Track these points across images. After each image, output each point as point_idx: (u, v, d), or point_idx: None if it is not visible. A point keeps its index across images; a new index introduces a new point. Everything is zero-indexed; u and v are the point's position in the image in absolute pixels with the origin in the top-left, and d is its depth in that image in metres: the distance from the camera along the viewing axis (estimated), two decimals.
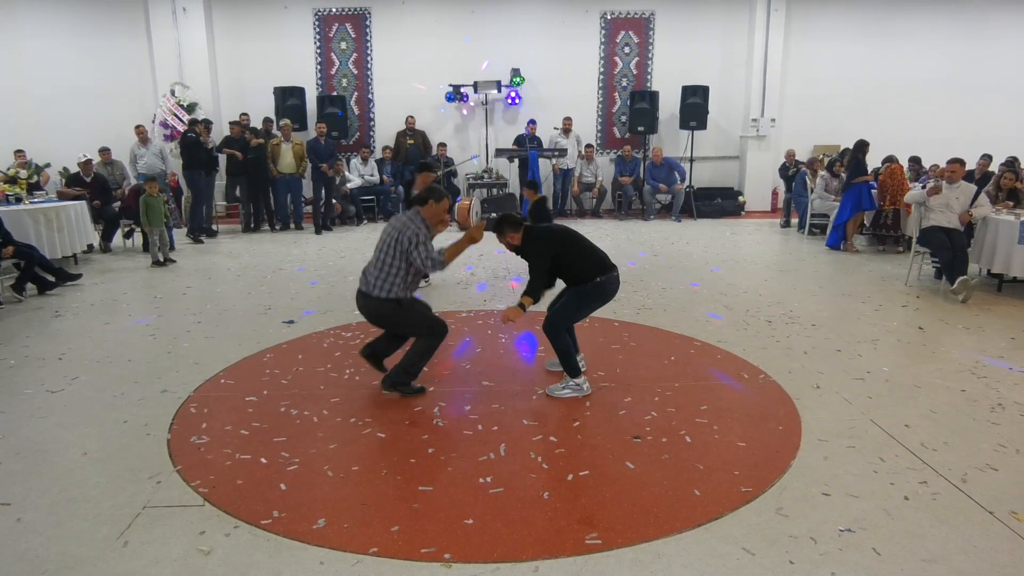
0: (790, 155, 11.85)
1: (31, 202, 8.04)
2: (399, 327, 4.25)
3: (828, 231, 9.89)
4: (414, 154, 12.22)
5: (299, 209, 11.41)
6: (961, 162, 6.90)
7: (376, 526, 2.80)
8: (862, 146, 8.94)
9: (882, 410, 3.95)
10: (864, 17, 13.00)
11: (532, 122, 12.25)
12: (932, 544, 2.67)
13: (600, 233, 10.60)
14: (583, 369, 4.31)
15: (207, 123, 10.67)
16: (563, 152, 12.07)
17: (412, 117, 12.34)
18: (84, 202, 8.76)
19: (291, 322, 5.78)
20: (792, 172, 11.34)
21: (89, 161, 9.64)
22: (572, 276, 4.28)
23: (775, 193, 13.20)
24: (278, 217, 11.29)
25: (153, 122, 11.47)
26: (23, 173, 9.31)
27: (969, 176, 8.31)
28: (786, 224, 11.45)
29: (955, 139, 10.92)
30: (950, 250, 6.58)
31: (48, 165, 10.50)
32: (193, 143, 10.12)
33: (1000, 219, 6.68)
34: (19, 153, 10.67)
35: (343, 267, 8.03)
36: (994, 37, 13.10)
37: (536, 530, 2.76)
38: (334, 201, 11.35)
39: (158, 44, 12.09)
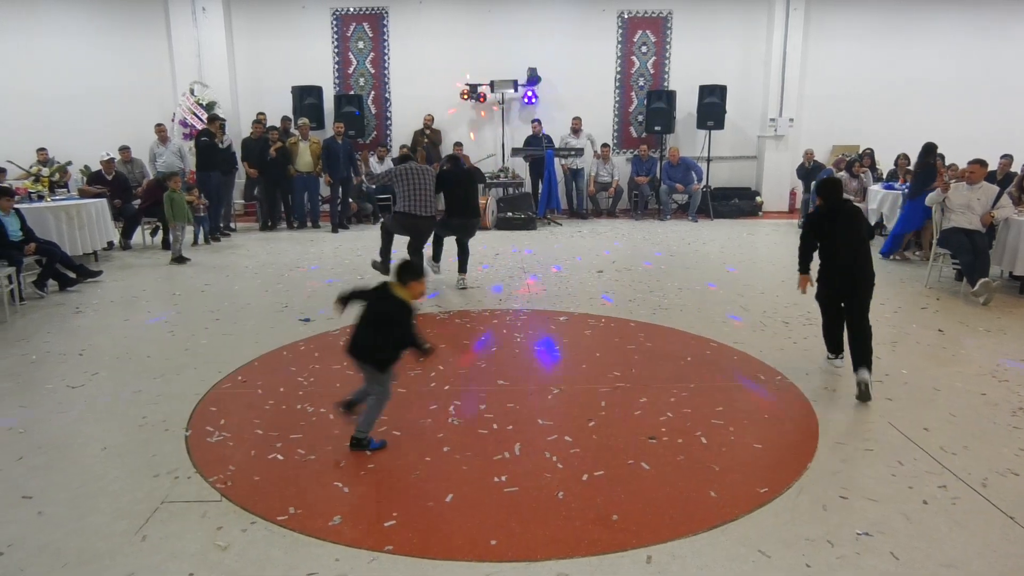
0: (808, 155, 11.75)
1: (53, 200, 8.13)
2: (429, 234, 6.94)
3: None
4: (430, 152, 12.24)
5: (316, 208, 11.47)
6: (982, 163, 6.81)
7: (391, 523, 2.81)
8: (932, 149, 8.31)
9: (901, 413, 3.91)
10: (884, 16, 12.86)
11: (536, 121, 12.23)
12: (951, 549, 2.64)
13: (616, 233, 10.58)
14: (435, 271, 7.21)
15: (221, 122, 10.65)
16: (579, 152, 12.05)
17: (431, 115, 12.36)
18: (104, 200, 8.85)
19: (307, 320, 5.82)
20: (809, 167, 11.27)
21: (112, 160, 9.75)
22: None
23: (793, 193, 13.10)
24: (295, 216, 11.35)
25: (172, 121, 11.57)
26: (45, 171, 9.42)
27: (991, 177, 8.18)
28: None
29: (976, 139, 10.77)
30: (971, 252, 6.49)
31: (70, 163, 10.62)
32: (206, 147, 10.16)
33: (1022, 220, 6.59)
34: (41, 151, 10.80)
35: (359, 265, 8.05)
36: (1014, 36, 12.90)
37: (551, 530, 2.76)
38: (350, 200, 11.40)
39: (178, 43, 12.19)
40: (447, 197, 6.97)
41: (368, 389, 3.52)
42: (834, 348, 4.68)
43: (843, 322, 4.41)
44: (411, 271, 3.49)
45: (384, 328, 3.42)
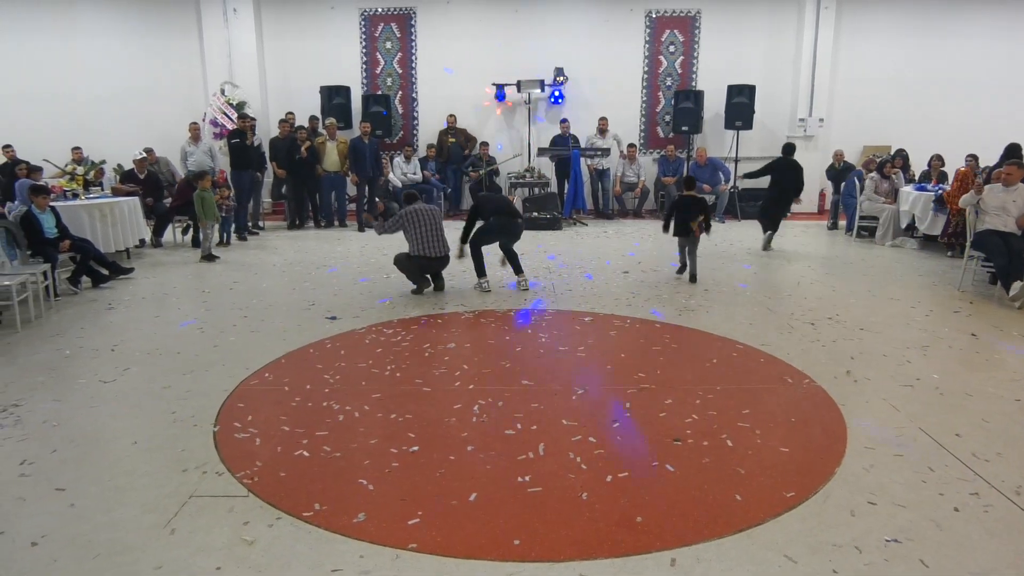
0: (838, 156, 11.60)
1: (87, 198, 8.29)
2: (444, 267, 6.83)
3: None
4: (456, 152, 12.30)
5: (343, 207, 11.57)
6: (1020, 164, 6.67)
7: (415, 521, 2.82)
8: (1016, 150, 8.09)
9: (931, 418, 3.84)
10: (917, 14, 12.65)
11: (564, 121, 12.21)
12: (983, 557, 2.59)
13: (642, 233, 10.52)
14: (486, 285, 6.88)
15: (251, 121, 10.75)
16: (606, 152, 12.01)
17: (453, 115, 12.40)
18: (137, 198, 9.02)
19: (334, 318, 5.87)
20: (839, 168, 11.19)
21: (144, 159, 9.94)
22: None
23: (822, 195, 12.94)
24: (322, 215, 11.46)
25: (203, 120, 11.74)
26: (80, 170, 9.61)
27: None
28: (833, 226, 11.21)
29: (1013, 140, 10.56)
30: (1006, 255, 6.36)
31: (103, 162, 10.83)
32: (238, 148, 10.28)
33: None
34: (76, 150, 11.02)
35: (385, 264, 8.10)
36: None
37: (574, 530, 2.76)
38: (376, 199, 11.48)
39: (209, 44, 12.36)
40: (490, 215, 6.82)
41: (689, 252, 7.21)
42: (768, 228, 9.18)
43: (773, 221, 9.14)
44: (693, 181, 7.71)
45: (697, 211, 7.05)
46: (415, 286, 6.74)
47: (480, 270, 6.88)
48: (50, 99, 12.17)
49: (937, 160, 10.28)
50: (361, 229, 10.93)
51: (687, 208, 7.08)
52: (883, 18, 12.68)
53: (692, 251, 7.19)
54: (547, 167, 12.35)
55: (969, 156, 9.58)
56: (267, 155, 11.13)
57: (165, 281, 7.44)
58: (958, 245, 8.37)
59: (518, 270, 6.93)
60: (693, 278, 7.13)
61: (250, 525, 2.81)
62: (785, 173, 9.03)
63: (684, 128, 12.37)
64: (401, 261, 6.70)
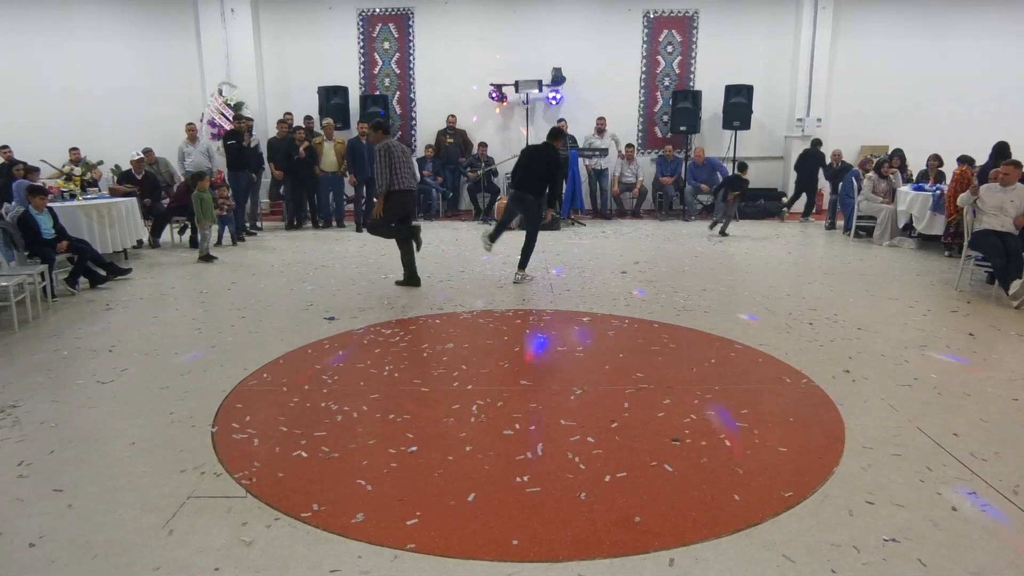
0: (836, 156, 11.60)
1: (84, 199, 8.28)
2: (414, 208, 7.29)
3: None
4: (454, 152, 12.29)
5: (340, 207, 11.56)
6: (1017, 164, 6.67)
7: (413, 522, 2.82)
8: (1004, 149, 8.12)
9: (929, 418, 3.85)
10: (915, 14, 12.67)
11: (562, 120, 12.21)
12: (981, 557, 2.59)
13: (640, 234, 10.53)
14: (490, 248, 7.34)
15: (248, 122, 10.74)
16: (604, 152, 12.02)
17: (453, 116, 12.41)
18: (135, 199, 9.01)
19: (332, 318, 5.86)
20: (837, 168, 11.23)
21: (141, 160, 9.94)
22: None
23: (820, 194, 12.95)
24: (320, 215, 11.45)
25: (201, 121, 11.73)
26: (77, 170, 9.60)
27: None
28: (831, 226, 11.23)
29: (1011, 141, 10.58)
30: (1003, 255, 6.37)
31: (101, 163, 10.82)
32: (234, 149, 10.27)
33: None
34: (73, 151, 11.00)
35: (383, 264, 8.10)
36: None
37: (573, 530, 2.76)
38: (374, 199, 11.46)
39: (207, 45, 12.36)
40: (515, 182, 7.05)
41: (730, 215, 10.25)
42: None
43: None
44: (745, 165, 10.31)
45: (739, 187, 10.09)
46: (402, 279, 6.99)
47: (495, 234, 7.25)
48: (48, 99, 12.16)
49: (935, 160, 10.28)
50: (359, 229, 10.93)
51: (736, 184, 10.16)
52: (881, 18, 12.70)
53: (730, 215, 10.28)
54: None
55: (960, 158, 9.57)
56: (264, 155, 11.13)
57: (163, 282, 7.43)
58: (956, 245, 8.39)
59: (522, 264, 7.06)
60: (724, 232, 10.23)
61: (248, 526, 2.81)
62: (804, 161, 11.87)
63: (682, 128, 12.38)
64: (377, 225, 6.95)
